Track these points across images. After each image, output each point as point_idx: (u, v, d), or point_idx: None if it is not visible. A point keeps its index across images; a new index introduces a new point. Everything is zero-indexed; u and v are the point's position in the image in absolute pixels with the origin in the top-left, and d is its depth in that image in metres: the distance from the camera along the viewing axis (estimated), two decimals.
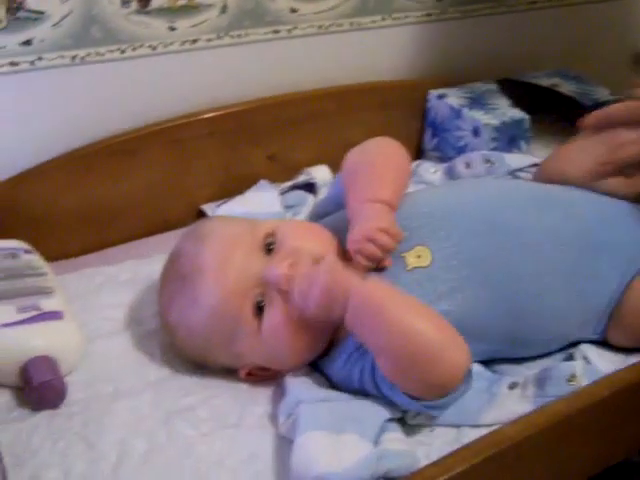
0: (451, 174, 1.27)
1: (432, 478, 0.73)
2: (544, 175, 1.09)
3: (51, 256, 1.07)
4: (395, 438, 0.79)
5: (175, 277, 0.89)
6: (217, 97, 1.20)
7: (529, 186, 1.06)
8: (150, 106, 1.16)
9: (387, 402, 0.83)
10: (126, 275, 1.08)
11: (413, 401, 0.80)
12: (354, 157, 0.98)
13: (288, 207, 1.18)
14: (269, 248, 0.87)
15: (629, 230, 0.96)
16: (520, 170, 1.22)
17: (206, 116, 1.19)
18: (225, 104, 1.21)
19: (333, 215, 1.00)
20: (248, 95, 1.23)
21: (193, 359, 0.91)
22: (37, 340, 0.86)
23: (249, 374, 0.90)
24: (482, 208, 0.94)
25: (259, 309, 0.85)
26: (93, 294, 1.03)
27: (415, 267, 0.88)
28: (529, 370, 0.91)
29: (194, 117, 1.18)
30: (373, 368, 0.83)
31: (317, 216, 1.04)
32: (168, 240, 1.14)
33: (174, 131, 1.17)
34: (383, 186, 0.91)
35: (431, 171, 1.29)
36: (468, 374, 0.81)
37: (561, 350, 0.94)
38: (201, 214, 1.21)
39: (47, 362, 0.84)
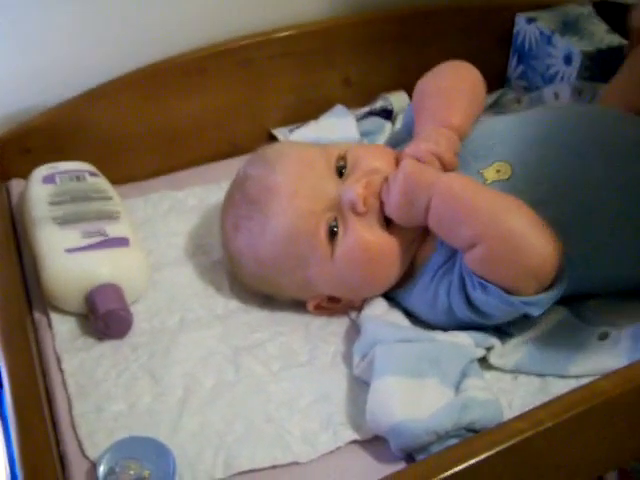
0: (537, 104, 1.18)
1: (519, 432, 0.67)
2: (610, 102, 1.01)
3: (117, 179, 1.04)
4: (477, 385, 0.74)
5: (243, 201, 0.84)
6: (292, 15, 1.13)
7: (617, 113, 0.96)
8: (222, 24, 1.09)
9: (474, 332, 0.79)
10: (193, 201, 1.03)
11: (509, 296, 0.75)
12: (424, 83, 0.93)
13: (364, 134, 1.12)
14: (341, 171, 0.83)
15: None
16: None
17: (280, 35, 1.12)
18: (300, 22, 1.13)
19: (406, 144, 0.93)
20: (324, 13, 1.16)
21: (260, 289, 0.87)
22: (103, 267, 0.82)
23: (318, 306, 0.85)
24: (566, 128, 0.87)
25: (332, 234, 0.81)
26: (159, 220, 0.99)
27: (495, 180, 0.83)
28: (619, 319, 0.84)
29: (267, 36, 1.11)
30: (461, 278, 0.78)
31: (392, 144, 0.98)
32: (237, 166, 1.09)
33: (246, 50, 1.10)
34: (452, 110, 0.86)
35: (515, 101, 1.21)
36: (562, 274, 0.75)
37: None
38: (272, 138, 1.15)
39: (113, 290, 0.81)
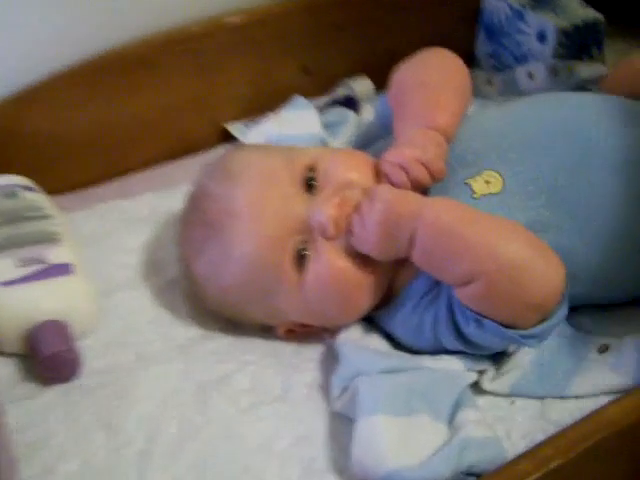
0: (510, 86, 1.11)
1: (526, 474, 0.60)
2: (610, 87, 0.94)
3: (58, 188, 0.95)
4: (473, 419, 0.67)
5: (201, 223, 0.75)
6: (242, 2, 1.03)
7: (617, 101, 0.88)
8: (167, 11, 0.99)
9: (463, 355, 0.72)
10: (144, 211, 0.94)
11: (507, 330, 0.67)
12: (403, 75, 0.82)
13: (328, 126, 1.02)
14: (310, 184, 0.73)
15: None
16: (591, 82, 1.06)
17: (231, 22, 1.02)
18: (253, 7, 1.03)
19: (382, 142, 0.84)
20: None
21: (225, 315, 0.78)
22: (43, 302, 0.73)
23: (289, 331, 0.77)
24: (562, 125, 0.78)
25: (301, 257, 0.72)
26: (107, 236, 0.90)
27: (484, 194, 0.74)
28: (619, 327, 0.78)
29: (217, 23, 1.01)
30: (449, 310, 0.71)
31: (362, 144, 0.89)
32: (191, 166, 1.02)
33: (195, 40, 1.00)
34: (438, 109, 0.76)
35: (486, 82, 1.13)
36: (563, 298, 0.68)
37: None
38: (226, 135, 1.05)
39: (56, 328, 0.72)
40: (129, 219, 0.92)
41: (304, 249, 0.71)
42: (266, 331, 0.78)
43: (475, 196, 0.74)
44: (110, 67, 0.96)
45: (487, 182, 0.74)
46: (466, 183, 0.75)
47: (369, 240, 0.68)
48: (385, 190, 0.69)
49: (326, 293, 0.72)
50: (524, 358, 0.74)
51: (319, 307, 0.73)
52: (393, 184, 0.71)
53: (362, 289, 0.72)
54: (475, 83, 1.12)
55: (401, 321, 0.74)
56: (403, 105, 0.78)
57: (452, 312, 0.70)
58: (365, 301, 0.74)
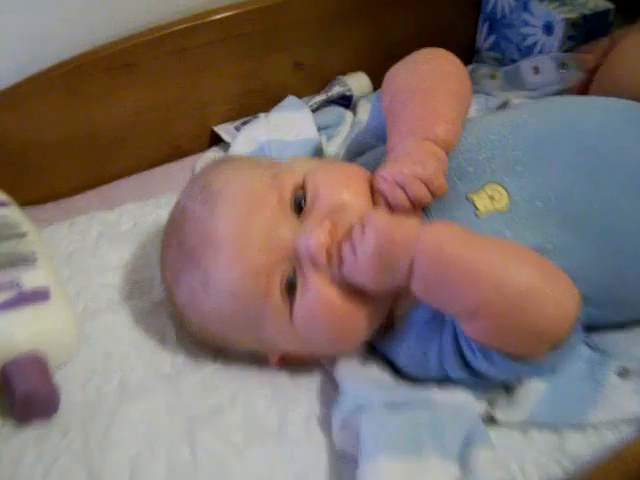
0: (514, 80, 1.06)
1: None
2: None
3: (35, 198, 0.91)
4: (486, 458, 0.61)
5: (179, 248, 0.68)
6: None
7: (626, 106, 0.81)
8: (148, 8, 0.92)
9: (472, 386, 0.66)
10: (127, 223, 0.88)
11: (518, 362, 0.62)
12: (398, 78, 0.75)
13: (322, 128, 0.96)
14: (300, 204, 0.67)
15: None
16: None
17: (217, 17, 0.95)
18: (241, 2, 0.97)
19: (374, 152, 0.78)
20: None
21: (210, 344, 0.73)
22: (18, 334, 0.66)
23: (282, 359, 0.71)
24: (572, 134, 0.72)
25: (290, 286, 0.65)
26: (88, 251, 0.84)
27: (488, 212, 0.68)
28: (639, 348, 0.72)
29: (202, 19, 0.95)
30: (455, 340, 0.65)
31: (355, 152, 0.81)
32: (177, 171, 0.98)
33: (178, 37, 0.94)
34: (437, 118, 0.68)
35: (489, 76, 1.07)
36: (577, 323, 0.62)
37: None
38: (216, 137, 0.99)
39: (33, 362, 0.66)
40: (111, 233, 0.86)
41: (293, 278, 0.65)
42: (257, 358, 0.72)
43: (479, 214, 0.68)
44: (88, 69, 0.90)
45: (491, 198, 0.68)
46: (468, 199, 0.69)
47: (361, 271, 0.62)
48: (377, 216, 0.62)
49: (317, 325, 0.65)
50: (538, 384, 0.68)
51: (311, 339, 0.67)
52: (390, 204, 0.65)
53: (356, 321, 0.66)
54: (476, 77, 1.07)
55: (403, 351, 0.68)
56: (397, 113, 0.71)
57: (458, 343, 0.65)
58: (360, 333, 0.68)
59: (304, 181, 0.67)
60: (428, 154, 0.66)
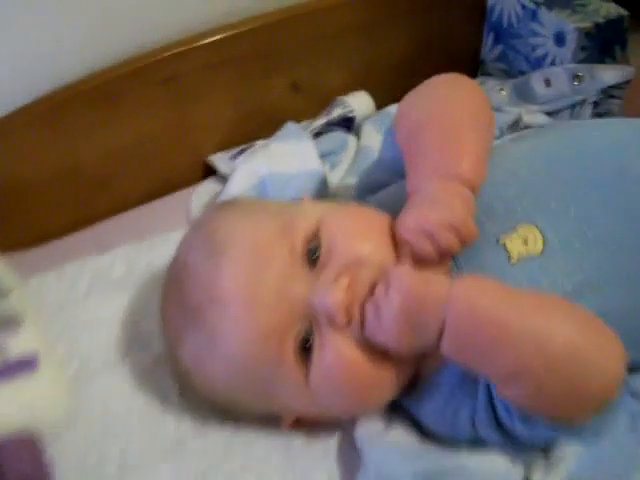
0: (524, 93, 1.00)
1: None
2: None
3: (17, 243, 0.83)
4: None
5: (181, 307, 0.62)
6: (218, 14, 0.90)
7: None
8: (132, 35, 0.86)
9: (509, 450, 0.61)
10: (120, 269, 0.82)
11: (560, 428, 0.57)
12: (415, 109, 0.67)
13: (324, 155, 0.90)
14: (313, 255, 0.61)
15: None
16: (616, 87, 0.95)
17: (206, 41, 0.89)
18: (230, 22, 0.90)
19: (390, 189, 0.72)
20: (259, 8, 0.92)
21: (218, 407, 0.67)
22: (5, 412, 0.60)
23: (296, 423, 0.66)
24: (612, 162, 0.66)
25: (305, 348, 0.60)
26: (78, 304, 0.78)
27: (522, 258, 0.62)
28: None
29: (191, 44, 0.88)
30: (490, 403, 0.59)
31: (367, 189, 0.75)
32: (172, 207, 0.92)
33: (167, 65, 0.88)
34: (459, 155, 0.62)
35: (498, 90, 1.01)
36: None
37: None
38: (209, 169, 0.93)
39: (22, 444, 0.59)
40: (104, 280, 0.80)
41: (309, 338, 0.59)
42: (270, 420, 0.66)
43: (512, 261, 0.62)
44: (69, 103, 0.84)
45: (525, 240, 0.62)
46: (499, 243, 0.63)
47: (386, 333, 0.56)
48: (402, 274, 0.56)
49: (336, 388, 0.60)
50: (579, 442, 0.62)
51: (329, 402, 0.61)
52: (416, 256, 0.59)
53: (379, 383, 0.60)
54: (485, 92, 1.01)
55: (432, 411, 0.62)
56: (416, 149, 0.64)
57: (493, 405, 0.59)
58: (383, 396, 0.62)
59: (317, 228, 0.61)
60: (454, 197, 0.59)
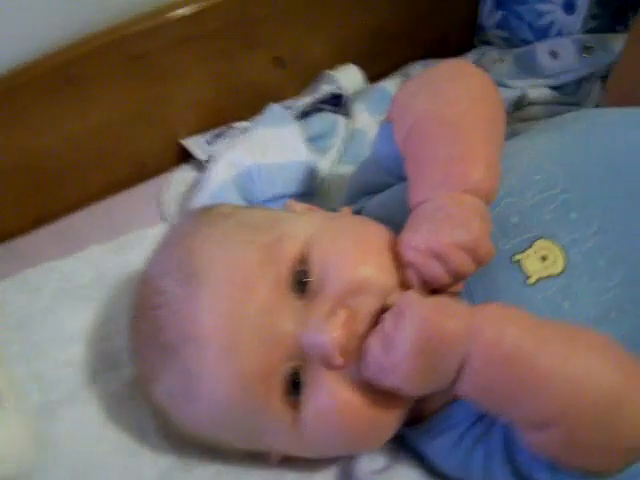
0: (527, 65, 0.92)
1: None
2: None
3: None
4: None
5: (154, 340, 0.54)
6: None
7: None
8: (95, 8, 0.76)
9: None
10: (89, 274, 0.74)
11: (587, 478, 0.50)
12: (417, 103, 0.58)
13: (312, 140, 0.82)
14: (302, 282, 0.53)
15: None
16: None
17: (179, 12, 0.79)
18: None
19: (386, 196, 0.64)
20: None
21: (200, 444, 0.59)
22: None
23: (285, 459, 0.59)
24: (631, 169, 0.58)
25: (294, 386, 0.52)
26: (41, 317, 0.70)
27: (541, 278, 0.55)
28: None
29: (162, 18, 0.79)
30: (507, 449, 0.53)
31: (362, 190, 0.67)
32: (144, 197, 0.85)
33: (135, 41, 0.78)
34: (473, 161, 0.53)
35: (498, 60, 0.93)
36: None
37: None
38: (184, 153, 0.85)
39: None
40: (69, 289, 0.73)
41: (297, 376, 0.52)
42: (258, 455, 0.59)
43: (530, 282, 0.54)
44: (26, 86, 0.75)
45: (543, 258, 0.55)
46: (514, 261, 0.55)
47: (396, 372, 0.48)
48: (416, 302, 0.48)
49: (331, 432, 0.53)
50: None
51: (323, 445, 0.55)
52: (425, 280, 0.51)
53: (378, 425, 0.53)
54: (484, 63, 0.94)
55: (439, 450, 0.56)
56: (420, 153, 0.56)
57: (511, 452, 0.52)
58: (383, 437, 0.55)
59: (307, 249, 0.53)
60: (469, 211, 0.51)
